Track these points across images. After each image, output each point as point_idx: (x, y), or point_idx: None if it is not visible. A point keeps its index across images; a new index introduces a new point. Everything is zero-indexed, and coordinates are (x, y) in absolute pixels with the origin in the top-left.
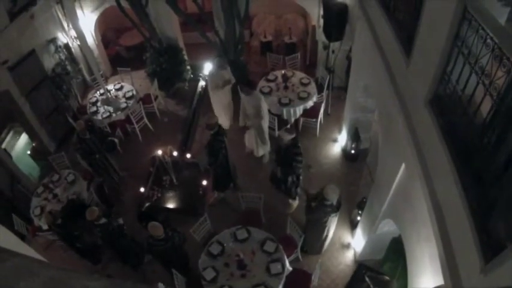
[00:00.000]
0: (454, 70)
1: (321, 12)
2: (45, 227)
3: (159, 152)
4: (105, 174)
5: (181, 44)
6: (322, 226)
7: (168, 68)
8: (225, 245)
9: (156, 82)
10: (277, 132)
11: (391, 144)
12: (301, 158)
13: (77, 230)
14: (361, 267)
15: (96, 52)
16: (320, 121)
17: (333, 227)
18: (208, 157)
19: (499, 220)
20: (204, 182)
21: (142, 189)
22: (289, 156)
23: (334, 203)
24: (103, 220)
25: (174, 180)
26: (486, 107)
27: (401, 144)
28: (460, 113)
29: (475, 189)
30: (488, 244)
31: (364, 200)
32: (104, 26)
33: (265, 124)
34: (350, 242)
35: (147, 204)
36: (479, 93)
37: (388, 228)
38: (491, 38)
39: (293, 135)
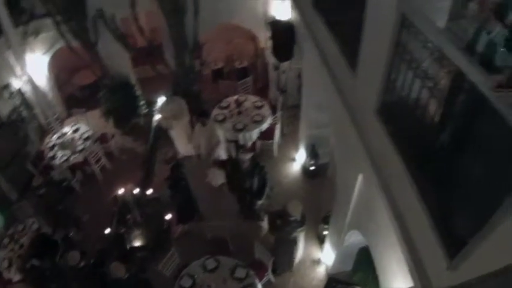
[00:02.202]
0: (398, 77)
1: (269, 34)
2: (16, 278)
3: (121, 191)
4: (67, 223)
5: (134, 80)
6: (291, 243)
7: (122, 105)
8: (195, 276)
9: (111, 120)
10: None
11: (347, 156)
12: (265, 173)
13: (50, 270)
14: (331, 280)
15: (50, 94)
16: (277, 142)
17: (301, 242)
18: (170, 190)
19: (457, 218)
20: (168, 216)
21: (107, 231)
22: (255, 177)
23: (299, 218)
24: (83, 263)
25: (138, 218)
26: (433, 110)
27: (356, 156)
28: (408, 119)
29: (431, 191)
30: (450, 242)
31: (329, 214)
32: (57, 67)
33: (222, 152)
34: (320, 257)
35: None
36: (425, 98)
37: (355, 238)
38: (431, 42)
39: (251, 154)
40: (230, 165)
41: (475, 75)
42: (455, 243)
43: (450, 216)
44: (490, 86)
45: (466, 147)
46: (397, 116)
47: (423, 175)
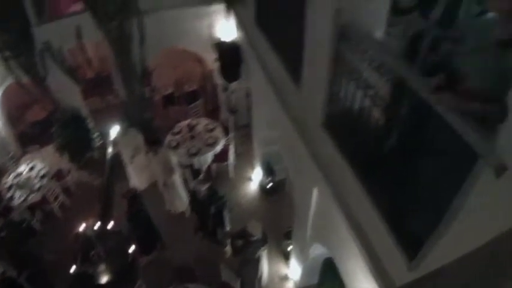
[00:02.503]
0: (341, 89)
1: (215, 56)
2: None
3: (82, 227)
4: (32, 264)
5: (85, 112)
6: (255, 262)
7: (75, 139)
8: None
9: (66, 155)
10: (192, 185)
11: (300, 171)
12: (224, 201)
13: None
14: None
15: (2, 133)
16: (232, 163)
17: (266, 261)
18: (130, 223)
19: (412, 221)
20: (131, 249)
21: (72, 269)
22: (214, 206)
23: (260, 237)
24: None
25: (102, 253)
26: (377, 118)
27: (308, 169)
28: (354, 129)
29: (384, 197)
30: (408, 245)
31: (291, 229)
32: (7, 105)
33: (178, 178)
34: (287, 273)
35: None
36: (368, 106)
37: (319, 251)
38: (368, 51)
39: (208, 184)
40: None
41: (414, 80)
42: (413, 245)
43: (405, 220)
44: (428, 90)
45: (413, 151)
46: (343, 126)
47: (374, 182)
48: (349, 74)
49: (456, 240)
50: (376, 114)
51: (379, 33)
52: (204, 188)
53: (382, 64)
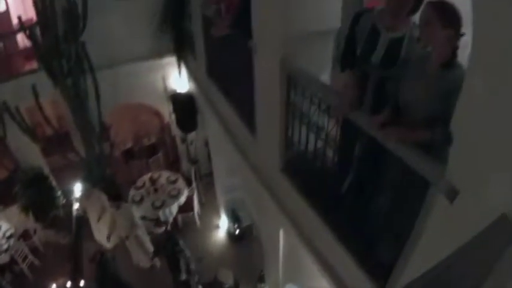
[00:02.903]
0: (295, 134)
1: (171, 108)
2: None
3: (53, 287)
4: None
5: (47, 171)
6: None
7: (39, 198)
8: None
9: (31, 215)
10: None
11: (264, 215)
12: (186, 253)
13: None
14: None
15: None
16: (197, 212)
17: None
18: (99, 284)
19: (378, 251)
20: None
21: None
22: (175, 257)
23: (232, 284)
24: None
25: None
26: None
27: (272, 213)
28: (311, 170)
29: (348, 232)
30: (378, 274)
31: (263, 273)
32: None
33: (142, 233)
34: None
35: None
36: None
37: None
38: (316, 96)
39: (163, 228)
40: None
41: (361, 119)
42: (381, 275)
43: (371, 251)
44: (375, 127)
45: (370, 185)
46: (302, 169)
47: (337, 218)
48: (301, 118)
49: (423, 264)
50: (330, 154)
51: (325, 77)
52: (160, 230)
53: (330, 106)
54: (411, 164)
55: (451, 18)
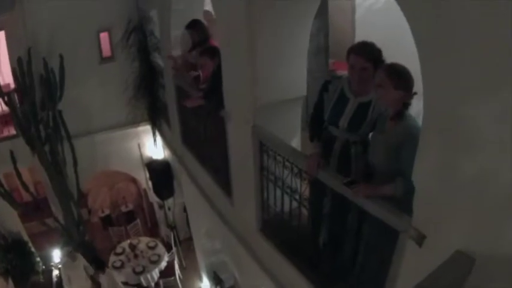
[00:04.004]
0: (270, 196)
1: (147, 175)
2: None
3: None
4: None
5: (26, 236)
6: None
7: (17, 264)
8: None
9: (10, 281)
10: None
11: (246, 275)
12: None
13: None
14: None
15: None
16: (179, 277)
17: None
18: None
19: None
20: None
21: None
22: None
23: None
24: None
25: None
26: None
27: (254, 273)
28: (289, 229)
29: (329, 285)
30: None
31: None
32: None
33: None
34: None
35: None
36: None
37: None
38: (287, 160)
39: None
40: None
41: (330, 180)
42: None
43: None
44: (344, 186)
45: (344, 239)
46: (279, 229)
47: (316, 273)
48: (275, 181)
49: None
50: (305, 213)
51: (295, 141)
52: None
53: (301, 170)
54: (380, 217)
55: (402, 80)
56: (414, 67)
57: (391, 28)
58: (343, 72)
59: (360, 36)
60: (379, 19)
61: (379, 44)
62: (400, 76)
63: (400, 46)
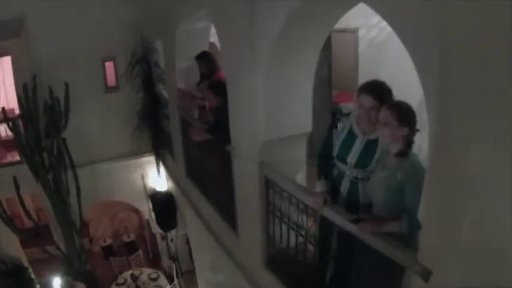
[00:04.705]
0: (276, 231)
1: (150, 206)
2: None
3: None
4: None
5: (26, 262)
6: None
7: None
8: None
9: None
10: None
11: None
12: None
13: None
14: None
15: None
16: None
17: None
18: None
19: None
20: None
21: None
22: None
23: None
24: None
25: None
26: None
27: None
28: (294, 264)
29: None
30: None
31: None
32: None
33: None
34: None
35: None
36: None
37: None
38: (294, 196)
39: None
40: None
41: (337, 217)
42: None
43: None
44: (350, 223)
45: (350, 275)
46: (285, 263)
47: None
48: (281, 217)
49: None
50: (311, 249)
51: (300, 176)
52: None
53: (307, 206)
54: (386, 253)
55: (406, 118)
56: (417, 99)
57: (394, 61)
58: (346, 104)
59: (363, 68)
60: (381, 52)
61: (381, 76)
62: (404, 114)
63: (402, 79)
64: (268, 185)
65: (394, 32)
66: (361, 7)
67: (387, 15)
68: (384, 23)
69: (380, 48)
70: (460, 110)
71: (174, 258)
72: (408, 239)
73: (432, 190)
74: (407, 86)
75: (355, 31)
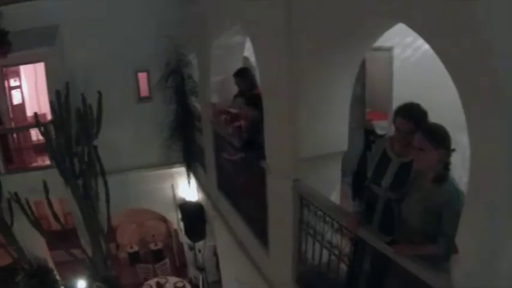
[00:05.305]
0: (308, 249)
1: (179, 216)
2: None
3: None
4: None
5: (51, 264)
6: None
7: None
8: None
9: None
10: None
11: None
12: None
13: None
14: None
15: None
16: None
17: None
18: None
19: None
20: None
21: None
22: None
23: None
24: None
25: None
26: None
27: None
28: (325, 283)
29: None
30: None
31: None
32: None
33: None
34: None
35: None
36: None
37: None
38: (329, 216)
39: None
40: None
41: (372, 239)
42: None
43: None
44: (385, 245)
45: None
46: (316, 281)
47: None
48: (314, 236)
49: None
50: (344, 268)
51: (334, 195)
52: None
53: (342, 226)
54: (420, 276)
55: (441, 141)
56: (451, 119)
57: (428, 81)
58: (379, 122)
59: (397, 87)
60: (416, 72)
61: (415, 95)
62: (439, 137)
63: (437, 99)
64: (302, 203)
65: (436, 53)
66: (397, 26)
67: (428, 37)
68: (419, 42)
69: (414, 67)
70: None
71: (201, 269)
72: (439, 262)
73: (471, 216)
74: (442, 106)
75: (389, 49)
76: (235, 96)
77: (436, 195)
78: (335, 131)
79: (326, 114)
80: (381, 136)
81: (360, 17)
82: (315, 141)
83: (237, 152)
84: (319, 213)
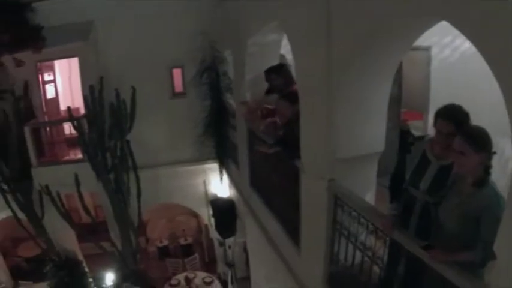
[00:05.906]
0: (340, 250)
1: (211, 211)
2: None
3: None
4: None
5: (80, 256)
6: None
7: (69, 281)
8: None
9: None
10: None
11: None
12: None
13: None
14: None
15: None
16: None
17: None
18: None
19: None
20: None
21: None
22: None
23: None
24: None
25: None
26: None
27: None
28: (355, 285)
29: None
30: None
31: None
32: (1, 235)
33: None
34: None
35: None
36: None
37: None
38: (363, 217)
39: None
40: None
41: (407, 242)
42: None
43: None
44: (421, 249)
45: None
46: (347, 283)
47: None
48: (348, 236)
49: None
50: (377, 270)
51: (369, 195)
52: None
53: (377, 228)
54: (455, 282)
55: (482, 145)
56: (491, 120)
57: (467, 81)
58: (414, 122)
59: (435, 87)
60: (454, 72)
61: (454, 96)
62: (479, 140)
63: (476, 100)
64: (337, 203)
65: (479, 52)
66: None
67: (472, 35)
68: (457, 42)
69: (453, 67)
70: None
71: (230, 265)
72: (475, 269)
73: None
74: (482, 107)
75: (427, 49)
76: (267, 92)
77: (475, 200)
78: (373, 132)
79: (364, 114)
80: (420, 138)
81: (401, 15)
82: (352, 142)
83: (273, 147)
84: (354, 214)
